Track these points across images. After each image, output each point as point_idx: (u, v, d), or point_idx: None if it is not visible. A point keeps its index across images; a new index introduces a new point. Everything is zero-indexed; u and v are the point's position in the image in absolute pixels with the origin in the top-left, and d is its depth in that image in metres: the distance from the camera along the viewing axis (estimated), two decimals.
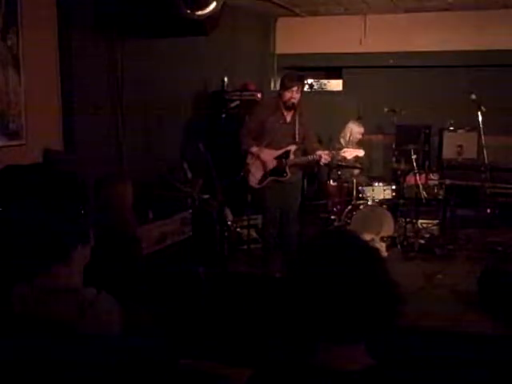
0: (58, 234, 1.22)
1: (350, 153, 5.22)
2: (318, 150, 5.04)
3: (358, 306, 1.15)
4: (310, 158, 5.01)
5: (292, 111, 5.03)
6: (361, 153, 5.25)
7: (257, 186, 5.15)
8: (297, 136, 5.04)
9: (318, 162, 5.05)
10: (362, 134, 6.52)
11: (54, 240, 1.21)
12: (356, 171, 6.27)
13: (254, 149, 5.05)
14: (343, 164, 6.04)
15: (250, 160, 5.11)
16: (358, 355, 1.19)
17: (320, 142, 5.86)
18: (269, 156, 5.06)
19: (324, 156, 4.95)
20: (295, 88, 4.90)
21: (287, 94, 4.93)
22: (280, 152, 5.06)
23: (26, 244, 1.20)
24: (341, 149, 5.36)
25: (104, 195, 3.29)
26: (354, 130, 6.46)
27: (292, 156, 5.06)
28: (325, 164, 5.24)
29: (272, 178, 5.11)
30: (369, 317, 1.16)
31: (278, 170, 5.09)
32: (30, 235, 1.20)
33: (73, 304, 1.25)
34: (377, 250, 1.26)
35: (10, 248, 1.21)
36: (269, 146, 5.01)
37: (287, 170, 5.07)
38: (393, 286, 1.21)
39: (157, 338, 1.28)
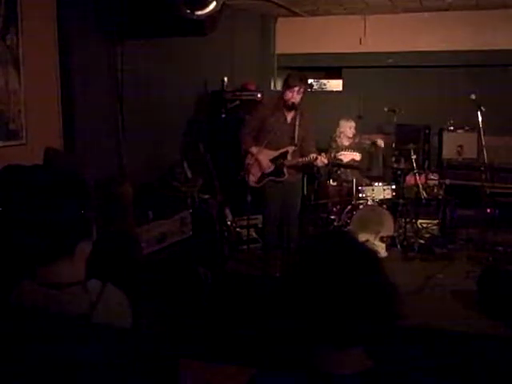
0: (62, 230, 1.25)
1: (347, 156, 5.31)
2: (313, 153, 5.03)
3: (357, 309, 1.15)
4: (307, 159, 5.01)
5: (293, 112, 5.03)
6: (357, 156, 5.35)
7: (255, 185, 5.15)
8: (296, 137, 5.04)
9: (313, 163, 5.06)
10: (355, 128, 6.51)
11: (59, 235, 1.25)
12: (356, 171, 6.28)
13: (254, 149, 5.05)
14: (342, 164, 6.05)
15: (249, 160, 5.11)
16: (357, 357, 1.19)
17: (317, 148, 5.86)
18: (267, 157, 5.06)
19: (320, 158, 4.95)
20: (297, 88, 4.89)
21: (288, 94, 4.93)
22: (278, 153, 5.07)
23: (31, 240, 1.23)
24: (338, 150, 5.41)
25: (104, 197, 3.30)
26: (343, 124, 6.48)
27: (290, 157, 5.07)
28: (325, 164, 5.22)
29: (270, 177, 5.11)
30: (367, 319, 1.16)
31: (277, 171, 5.09)
32: (36, 231, 1.22)
33: (82, 295, 1.28)
34: (375, 252, 1.26)
35: (15, 245, 1.24)
36: (268, 145, 5.00)
37: (285, 171, 5.07)
38: (391, 289, 1.21)
39: (158, 337, 1.28)
